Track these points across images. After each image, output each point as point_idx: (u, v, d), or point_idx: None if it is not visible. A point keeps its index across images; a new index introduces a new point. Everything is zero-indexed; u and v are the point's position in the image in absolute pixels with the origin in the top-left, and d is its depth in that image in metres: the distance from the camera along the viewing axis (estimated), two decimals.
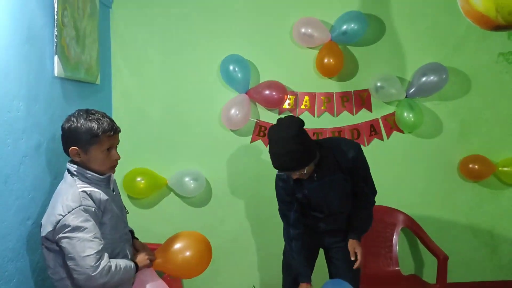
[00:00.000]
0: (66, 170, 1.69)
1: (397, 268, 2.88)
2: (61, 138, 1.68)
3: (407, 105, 2.91)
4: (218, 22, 2.87)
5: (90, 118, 1.63)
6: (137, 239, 1.97)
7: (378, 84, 2.88)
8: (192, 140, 2.93)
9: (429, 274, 2.95)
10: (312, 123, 2.94)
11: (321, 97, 2.97)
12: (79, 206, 1.55)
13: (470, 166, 2.98)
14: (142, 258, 1.81)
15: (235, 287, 3.03)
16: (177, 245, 1.92)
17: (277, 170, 2.00)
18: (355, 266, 2.06)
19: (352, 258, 2.06)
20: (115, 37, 2.85)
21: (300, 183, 2.04)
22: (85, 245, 1.52)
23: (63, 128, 1.66)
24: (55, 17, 1.92)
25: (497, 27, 1.51)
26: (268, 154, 1.91)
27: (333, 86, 2.98)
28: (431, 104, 3.02)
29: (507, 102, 3.05)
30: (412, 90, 2.91)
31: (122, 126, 2.85)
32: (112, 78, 2.86)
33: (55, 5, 1.92)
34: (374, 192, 2.16)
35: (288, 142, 1.83)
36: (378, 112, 3.00)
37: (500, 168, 2.99)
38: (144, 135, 2.90)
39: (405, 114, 2.89)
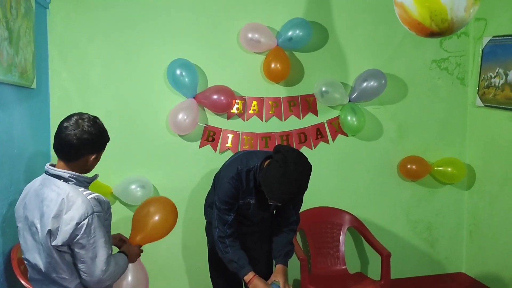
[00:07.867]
0: (49, 174, 1.60)
1: (344, 267, 2.97)
2: (81, 142, 1.56)
3: (350, 109, 3.03)
4: (163, 25, 2.82)
5: (98, 122, 1.61)
6: None
7: (323, 89, 2.97)
8: (139, 146, 2.84)
9: (374, 271, 3.07)
10: (260, 127, 2.98)
11: (269, 102, 3.01)
12: (92, 213, 1.55)
13: (408, 166, 3.15)
14: (133, 250, 1.94)
15: None
16: (143, 213, 2.16)
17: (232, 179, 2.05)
18: None
19: None
20: (53, 39, 2.69)
21: (250, 191, 2.08)
22: (98, 251, 1.56)
23: (90, 132, 1.57)
24: None
25: (431, 34, 1.63)
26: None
27: (281, 91, 3.02)
28: (372, 109, 3.17)
29: (440, 105, 3.27)
30: (354, 95, 3.04)
31: None
32: (50, 82, 2.70)
33: None
34: (298, 220, 2.29)
35: (302, 185, 1.93)
36: (324, 116, 3.10)
37: (435, 168, 3.19)
38: None
39: (349, 118, 3.01)
